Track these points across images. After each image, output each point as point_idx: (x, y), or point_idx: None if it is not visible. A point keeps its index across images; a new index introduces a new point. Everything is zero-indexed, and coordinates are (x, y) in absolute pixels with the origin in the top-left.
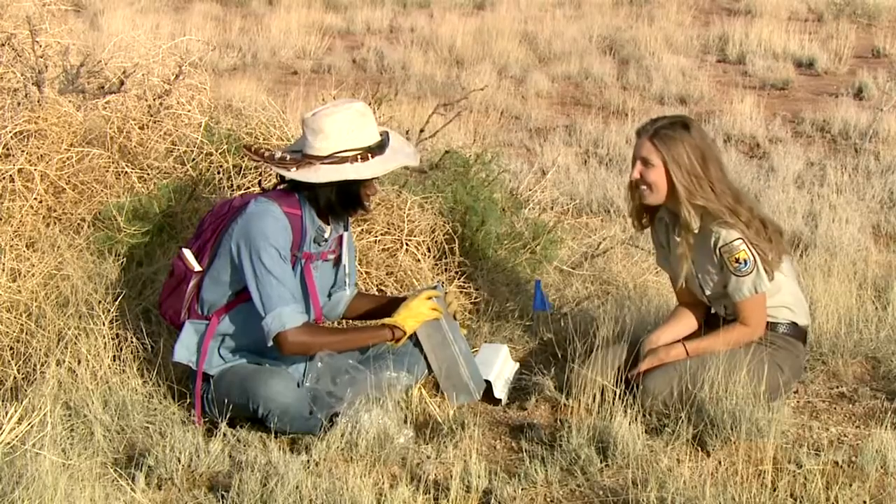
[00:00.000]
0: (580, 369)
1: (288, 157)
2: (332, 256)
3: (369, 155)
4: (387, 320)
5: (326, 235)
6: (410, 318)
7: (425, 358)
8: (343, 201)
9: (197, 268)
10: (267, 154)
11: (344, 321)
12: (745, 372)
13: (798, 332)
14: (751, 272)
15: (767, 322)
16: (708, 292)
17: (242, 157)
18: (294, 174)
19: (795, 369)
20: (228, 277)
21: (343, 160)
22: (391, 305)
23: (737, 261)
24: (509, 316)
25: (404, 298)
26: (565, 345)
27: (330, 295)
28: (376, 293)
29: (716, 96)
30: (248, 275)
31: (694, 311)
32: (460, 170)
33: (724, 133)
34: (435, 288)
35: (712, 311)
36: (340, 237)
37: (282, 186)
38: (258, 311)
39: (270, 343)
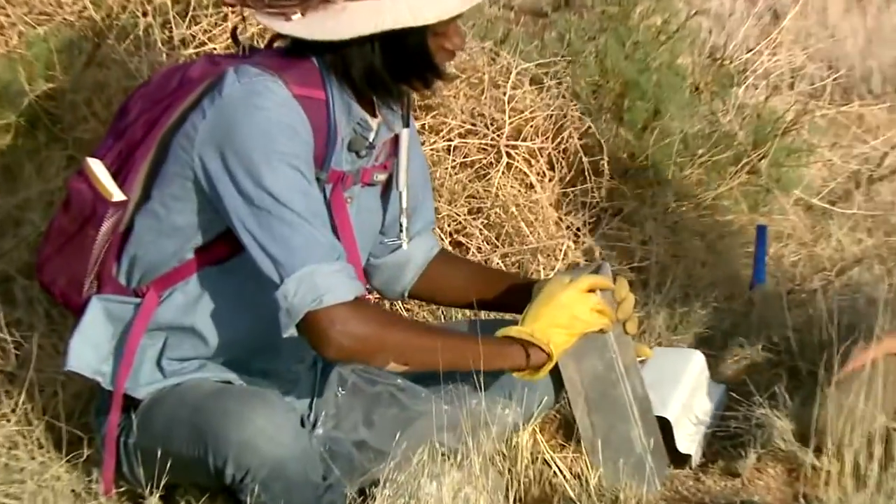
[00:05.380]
0: (840, 396)
1: None
2: (380, 177)
3: None
4: (515, 331)
5: (372, 136)
6: (559, 328)
7: (562, 392)
8: (399, 66)
9: (118, 196)
10: None
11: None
12: None
13: None
14: None
15: None
16: None
17: None
18: (297, 27)
19: None
20: (186, 218)
21: None
22: (512, 293)
23: None
24: (705, 294)
25: (532, 284)
26: (815, 351)
27: (378, 253)
28: (476, 261)
29: None
30: (239, 214)
31: None
32: (613, 10)
33: None
34: (598, 270)
35: None
36: (395, 139)
37: (280, 43)
38: (246, 277)
39: (288, 333)
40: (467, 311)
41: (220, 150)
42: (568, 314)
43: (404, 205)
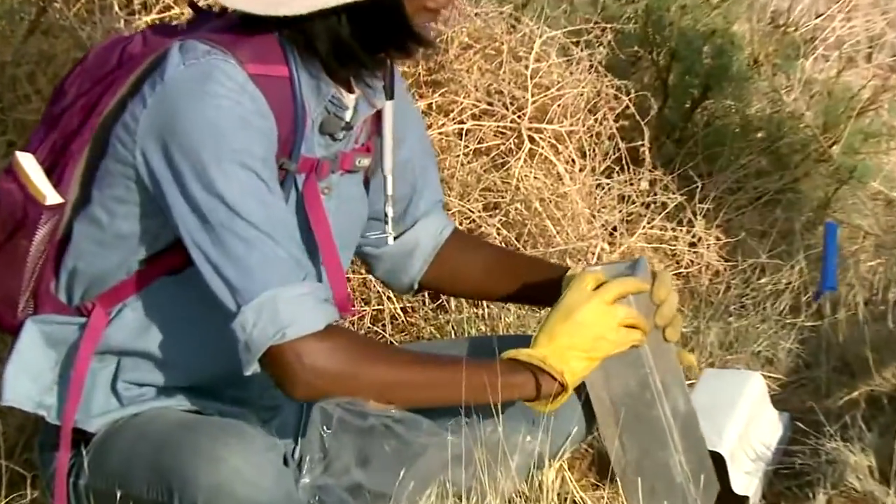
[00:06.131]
0: None
1: None
2: (363, 161)
3: None
4: (525, 354)
5: (348, 115)
6: (579, 352)
7: (595, 422)
8: (371, 35)
9: (53, 198)
10: None
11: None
12: None
13: None
14: None
15: None
16: None
17: None
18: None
19: None
20: (132, 224)
21: None
22: (541, 285)
23: None
24: (766, 304)
25: (564, 273)
26: None
27: (366, 247)
28: (498, 244)
29: None
30: (188, 226)
31: None
32: None
33: None
34: (633, 267)
35: None
36: (378, 116)
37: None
38: (206, 289)
39: (251, 370)
40: (482, 326)
41: (164, 147)
42: (590, 335)
43: (389, 191)
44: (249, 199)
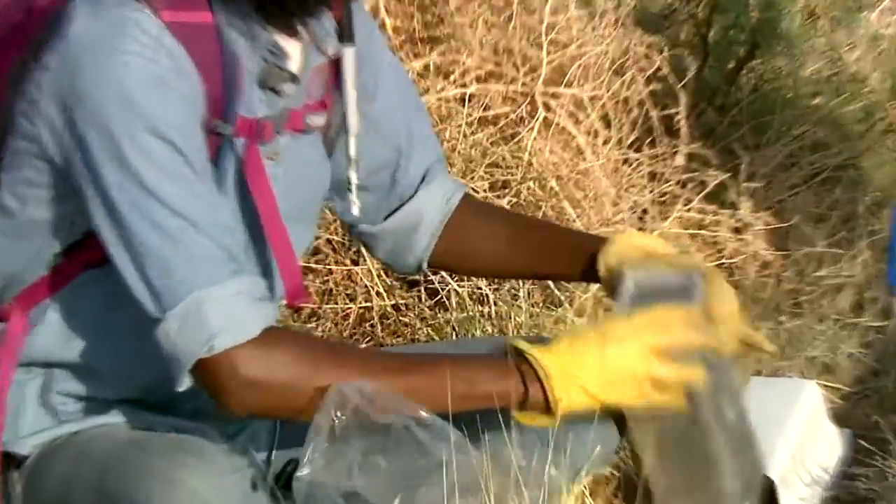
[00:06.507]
0: None
1: None
2: (315, 120)
3: None
4: (535, 357)
5: (294, 65)
6: (586, 384)
7: (621, 440)
8: None
9: None
10: None
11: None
12: None
13: None
14: None
15: None
16: None
17: None
18: None
19: None
20: (45, 211)
21: None
22: (572, 259)
23: None
24: (824, 301)
25: (600, 244)
26: None
27: (361, 225)
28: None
29: None
30: (100, 214)
31: None
32: None
33: None
34: (686, 289)
35: None
36: (336, 65)
37: None
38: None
39: (184, 386)
40: (488, 327)
41: (69, 117)
42: (610, 377)
43: (352, 153)
44: (166, 179)
